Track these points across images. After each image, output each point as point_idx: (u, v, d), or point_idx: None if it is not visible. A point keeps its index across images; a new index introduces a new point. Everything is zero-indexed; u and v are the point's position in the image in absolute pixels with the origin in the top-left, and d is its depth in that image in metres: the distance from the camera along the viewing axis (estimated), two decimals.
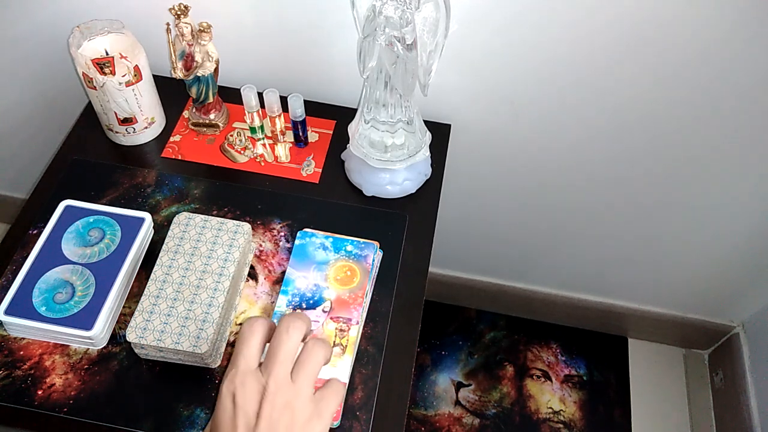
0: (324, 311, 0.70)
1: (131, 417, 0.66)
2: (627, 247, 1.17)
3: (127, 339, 0.65)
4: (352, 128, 0.80)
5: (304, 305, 0.70)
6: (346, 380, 0.67)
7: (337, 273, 0.73)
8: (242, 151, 0.86)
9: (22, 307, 0.67)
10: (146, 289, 0.68)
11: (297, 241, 0.75)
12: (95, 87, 0.78)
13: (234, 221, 0.73)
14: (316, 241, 0.75)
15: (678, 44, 0.78)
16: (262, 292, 0.74)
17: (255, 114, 0.81)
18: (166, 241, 0.71)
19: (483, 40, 0.82)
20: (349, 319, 0.70)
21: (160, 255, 0.70)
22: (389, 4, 0.63)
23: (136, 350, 0.68)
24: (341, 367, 0.67)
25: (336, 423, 0.65)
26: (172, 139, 0.87)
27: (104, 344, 0.70)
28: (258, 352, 0.52)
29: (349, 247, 0.74)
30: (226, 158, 0.86)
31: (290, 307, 0.70)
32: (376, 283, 0.76)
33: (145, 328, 0.65)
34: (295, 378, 0.51)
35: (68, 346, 0.69)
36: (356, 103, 0.92)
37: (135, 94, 0.80)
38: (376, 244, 0.76)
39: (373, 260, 0.74)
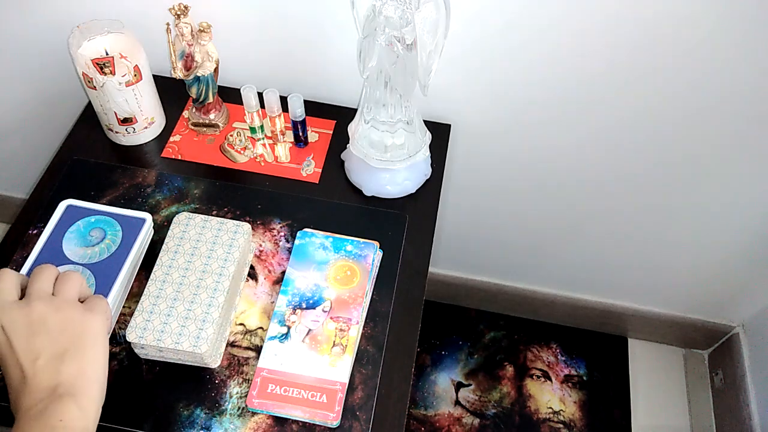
0: (324, 311, 0.70)
1: (131, 417, 0.66)
2: (627, 247, 1.17)
3: (127, 339, 0.65)
4: (352, 128, 0.80)
5: (304, 305, 0.70)
6: (346, 380, 0.67)
7: (337, 273, 0.73)
8: (242, 151, 0.86)
9: None
10: (146, 289, 0.68)
11: (297, 241, 0.75)
12: (95, 87, 0.78)
13: (234, 221, 0.73)
14: (316, 241, 0.75)
15: (678, 45, 0.78)
16: (262, 292, 0.75)
17: (255, 114, 0.81)
18: (166, 241, 0.71)
19: (483, 40, 0.82)
20: (349, 319, 0.70)
21: (160, 255, 0.70)
22: (389, 4, 0.63)
23: (135, 350, 0.68)
24: (341, 367, 0.67)
25: (336, 423, 0.65)
26: (172, 139, 0.87)
27: None
28: (14, 289, 0.55)
29: (349, 247, 0.75)
30: (226, 158, 0.86)
31: (290, 307, 0.70)
32: (376, 283, 0.76)
33: (144, 328, 0.65)
34: (57, 291, 0.56)
35: None
36: (356, 103, 0.92)
37: (135, 94, 0.80)
38: (376, 244, 0.76)
39: (373, 260, 0.74)
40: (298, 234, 0.76)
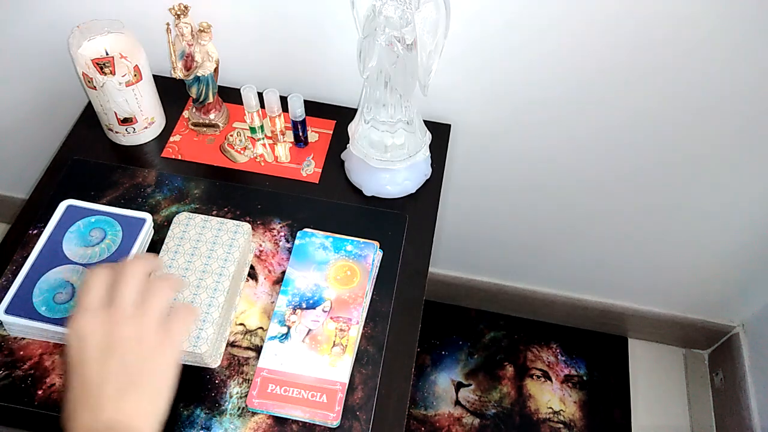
0: (324, 311, 0.70)
1: None
2: (627, 247, 1.17)
3: None
4: (352, 128, 0.80)
5: (304, 305, 0.70)
6: (346, 380, 0.67)
7: (337, 273, 0.73)
8: (242, 151, 0.86)
9: (22, 306, 0.67)
10: None
11: (297, 241, 0.75)
12: (95, 87, 0.78)
13: (234, 221, 0.73)
14: (316, 241, 0.75)
15: (678, 45, 0.78)
16: (262, 292, 0.74)
17: (255, 114, 0.81)
18: (166, 241, 0.71)
19: (483, 40, 0.82)
20: (349, 318, 0.70)
21: (160, 255, 0.70)
22: (389, 4, 0.63)
23: None
24: (341, 367, 0.67)
25: (336, 423, 0.65)
26: (172, 139, 0.87)
27: None
28: (100, 293, 0.52)
29: (349, 247, 0.75)
30: (226, 158, 0.86)
31: (290, 307, 0.70)
32: (376, 283, 0.76)
33: None
34: (141, 308, 0.52)
35: None
36: (356, 103, 0.92)
37: (135, 94, 0.80)
38: (376, 243, 0.76)
39: (373, 260, 0.74)
40: (298, 234, 0.76)
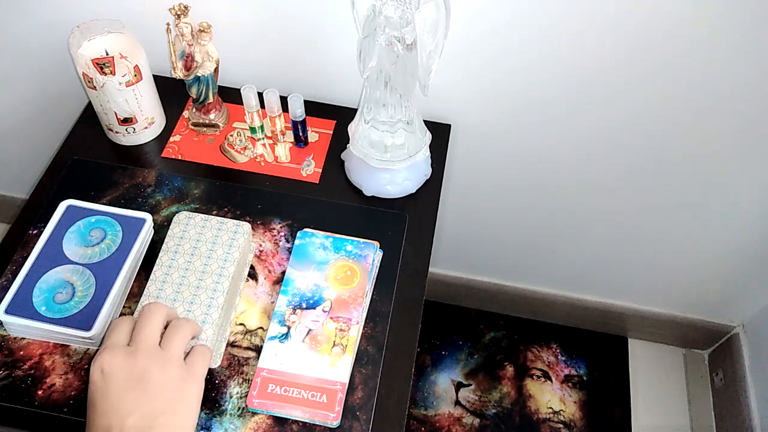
0: (324, 311, 0.70)
1: None
2: (627, 247, 1.17)
3: None
4: (352, 128, 0.80)
5: (304, 305, 0.70)
6: (346, 380, 0.67)
7: (337, 273, 0.73)
8: (242, 151, 0.86)
9: (22, 306, 0.67)
10: (146, 290, 0.68)
11: (297, 241, 0.75)
12: (95, 87, 0.78)
13: (234, 221, 0.73)
14: (316, 240, 0.75)
15: (679, 45, 0.78)
16: (262, 292, 0.75)
17: (255, 114, 0.81)
18: (166, 240, 0.71)
19: (483, 40, 0.82)
20: (349, 318, 0.70)
21: (160, 255, 0.70)
22: (389, 4, 0.63)
23: None
24: (341, 367, 0.67)
25: (336, 423, 0.65)
26: (172, 139, 0.87)
27: None
28: (124, 336, 0.54)
29: (349, 247, 0.75)
30: (226, 158, 0.86)
31: (290, 307, 0.70)
32: (376, 283, 0.76)
33: None
34: (163, 346, 0.54)
35: (68, 346, 0.69)
36: (356, 103, 0.92)
37: (135, 94, 0.80)
38: (376, 244, 0.76)
39: (373, 260, 0.74)
40: (298, 234, 0.76)
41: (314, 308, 0.70)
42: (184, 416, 0.52)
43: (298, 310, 0.70)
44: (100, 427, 0.50)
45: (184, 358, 0.57)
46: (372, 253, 0.74)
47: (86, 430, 0.51)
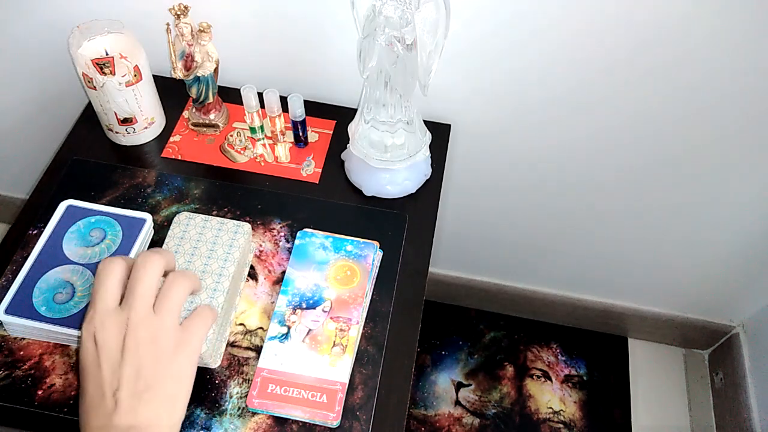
0: (324, 311, 0.70)
1: None
2: (627, 247, 1.17)
3: None
4: (352, 128, 0.80)
5: (304, 305, 0.70)
6: (346, 380, 0.67)
7: (337, 273, 0.73)
8: (242, 151, 0.86)
9: (22, 306, 0.67)
10: None
11: (297, 241, 0.75)
12: (95, 87, 0.78)
13: (234, 221, 0.73)
14: (316, 240, 0.75)
15: (679, 45, 0.78)
16: (262, 292, 0.75)
17: (255, 114, 0.81)
18: (166, 240, 0.71)
19: (483, 40, 0.82)
20: (349, 318, 0.70)
21: None
22: (389, 4, 0.63)
23: None
24: (341, 367, 0.67)
25: (336, 423, 0.65)
26: (172, 139, 0.87)
27: None
28: (116, 291, 0.51)
29: (349, 247, 0.75)
30: (226, 158, 0.86)
31: (290, 307, 0.70)
32: (376, 283, 0.76)
33: None
34: (158, 310, 0.51)
35: (68, 346, 0.69)
36: (356, 103, 0.92)
37: (135, 94, 0.80)
38: (376, 243, 0.76)
39: (373, 260, 0.74)
40: (298, 234, 0.76)
41: (314, 308, 0.70)
42: (177, 386, 0.51)
43: (298, 310, 0.70)
44: (94, 396, 0.49)
45: (183, 321, 0.54)
46: (372, 253, 0.74)
47: (80, 393, 0.50)
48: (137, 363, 0.49)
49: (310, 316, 0.70)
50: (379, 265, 0.77)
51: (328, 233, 0.76)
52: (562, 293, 1.34)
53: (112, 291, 0.51)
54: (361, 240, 0.75)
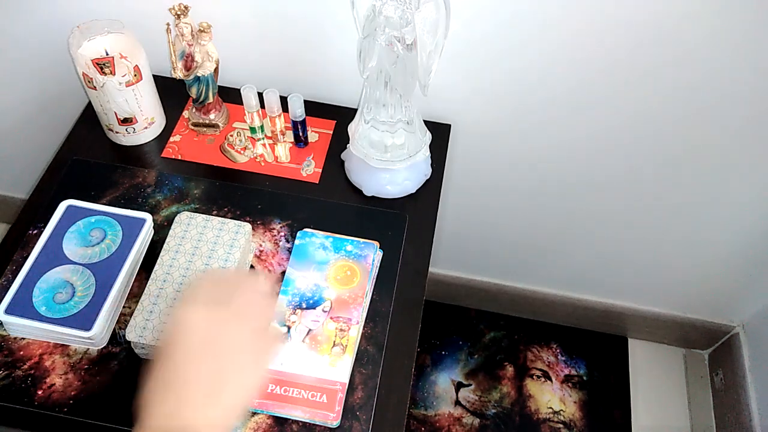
0: (324, 311, 0.70)
1: (131, 417, 0.66)
2: (627, 248, 1.17)
3: (127, 338, 0.65)
4: (352, 128, 0.80)
5: (304, 305, 0.70)
6: (346, 380, 0.67)
7: (337, 273, 0.73)
8: (242, 151, 0.86)
9: (22, 306, 0.67)
10: (146, 289, 0.68)
11: (297, 241, 0.75)
12: (95, 87, 0.78)
13: (235, 221, 0.73)
14: (316, 241, 0.75)
15: (679, 46, 0.78)
16: None
17: (255, 114, 0.81)
18: (167, 240, 0.71)
19: (483, 40, 0.82)
20: (349, 319, 0.70)
21: (161, 254, 0.70)
22: (389, 4, 0.63)
23: (136, 350, 0.68)
24: (341, 367, 0.67)
25: (336, 423, 0.65)
26: (172, 139, 0.87)
27: (104, 344, 0.70)
28: (209, 293, 0.51)
29: (349, 247, 0.75)
30: (226, 158, 0.86)
31: (290, 307, 0.70)
32: (376, 283, 0.76)
33: (144, 328, 0.65)
34: (246, 314, 0.50)
35: (68, 346, 0.69)
36: (356, 103, 0.92)
37: (135, 94, 0.80)
38: (376, 243, 0.76)
39: (373, 260, 0.74)
40: (298, 234, 0.76)
41: (314, 308, 0.70)
42: (241, 399, 0.50)
43: (298, 310, 0.70)
44: (159, 390, 0.48)
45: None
46: (372, 253, 0.74)
47: (149, 380, 0.48)
48: (216, 361, 0.49)
49: (310, 316, 0.70)
50: (379, 265, 0.77)
51: (328, 233, 0.76)
52: (562, 293, 1.34)
53: (206, 290, 0.52)
54: (361, 240, 0.75)
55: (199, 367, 0.47)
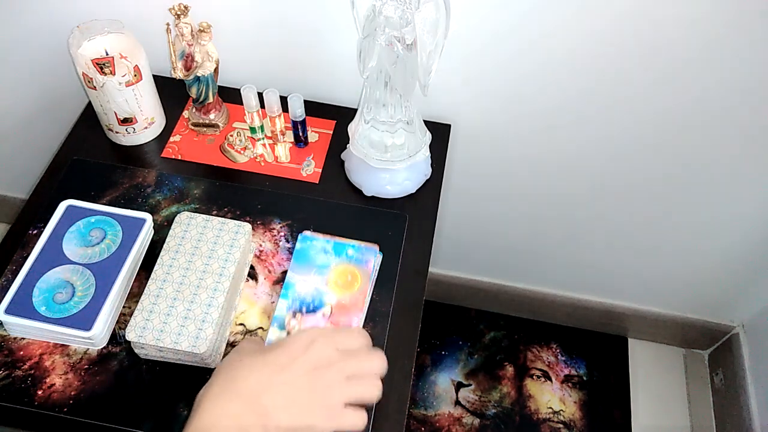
0: (324, 316, 0.70)
1: (131, 417, 0.66)
2: (627, 247, 1.17)
3: (127, 338, 0.65)
4: (352, 128, 0.80)
5: (304, 309, 0.70)
6: None
7: (338, 277, 0.73)
8: (242, 151, 0.86)
9: (22, 306, 0.67)
10: (146, 289, 0.68)
11: (298, 245, 0.75)
12: (95, 87, 0.78)
13: (235, 221, 0.73)
14: (317, 244, 0.75)
15: (681, 53, 0.78)
16: (262, 292, 0.74)
17: (255, 114, 0.81)
18: (167, 240, 0.71)
19: (483, 40, 0.82)
20: (349, 323, 0.70)
21: (161, 254, 0.70)
22: (389, 4, 0.63)
23: (135, 350, 0.68)
24: None
25: None
26: (172, 139, 0.87)
27: (104, 344, 0.70)
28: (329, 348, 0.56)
29: (351, 251, 0.74)
30: (226, 158, 0.86)
31: (290, 311, 0.70)
32: (376, 283, 0.76)
33: (144, 328, 0.65)
34: (349, 360, 0.56)
35: (68, 346, 0.69)
36: (356, 103, 0.92)
37: (135, 94, 0.80)
38: (377, 248, 0.75)
39: (374, 265, 0.74)
40: (299, 238, 0.75)
41: (314, 313, 0.70)
42: None
43: (298, 315, 0.70)
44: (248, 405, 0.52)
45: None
46: (373, 258, 0.74)
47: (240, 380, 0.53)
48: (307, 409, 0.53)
49: (310, 321, 0.70)
50: (378, 268, 0.77)
51: (330, 237, 0.76)
52: (562, 293, 1.34)
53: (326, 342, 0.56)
54: (363, 244, 0.75)
55: (305, 392, 0.52)
